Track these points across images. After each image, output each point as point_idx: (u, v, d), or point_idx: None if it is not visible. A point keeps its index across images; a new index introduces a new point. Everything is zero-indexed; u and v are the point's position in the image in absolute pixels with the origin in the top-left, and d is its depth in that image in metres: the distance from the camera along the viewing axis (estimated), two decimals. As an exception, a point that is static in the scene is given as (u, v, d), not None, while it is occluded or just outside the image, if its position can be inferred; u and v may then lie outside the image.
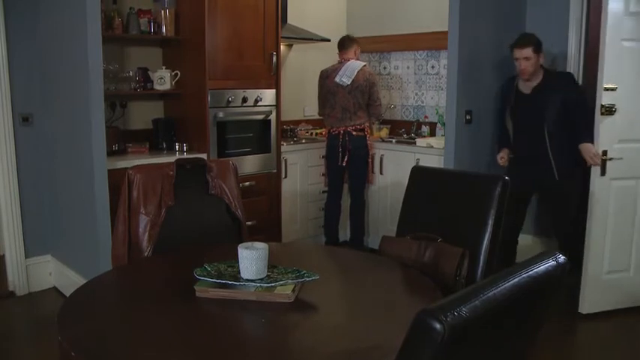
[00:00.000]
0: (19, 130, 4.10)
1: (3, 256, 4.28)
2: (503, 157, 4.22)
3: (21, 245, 4.20)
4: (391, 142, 5.11)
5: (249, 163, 4.57)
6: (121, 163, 3.73)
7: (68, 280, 4.09)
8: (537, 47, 3.91)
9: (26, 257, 4.22)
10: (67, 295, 4.08)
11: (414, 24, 5.35)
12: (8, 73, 3.99)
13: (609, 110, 3.55)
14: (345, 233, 5.30)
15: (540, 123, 3.96)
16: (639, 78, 3.61)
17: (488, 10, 4.35)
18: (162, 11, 4.28)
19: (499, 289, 1.16)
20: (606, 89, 3.53)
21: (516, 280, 1.20)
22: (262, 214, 4.54)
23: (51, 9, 3.96)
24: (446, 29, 4.22)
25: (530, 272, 1.25)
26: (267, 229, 4.57)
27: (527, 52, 3.89)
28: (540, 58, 3.95)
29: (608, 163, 3.61)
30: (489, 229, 2.39)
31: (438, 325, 1.02)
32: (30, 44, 4.09)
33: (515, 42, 3.98)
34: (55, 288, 4.32)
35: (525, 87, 4.04)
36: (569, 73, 4.26)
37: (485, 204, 2.41)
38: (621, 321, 3.75)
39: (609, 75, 3.53)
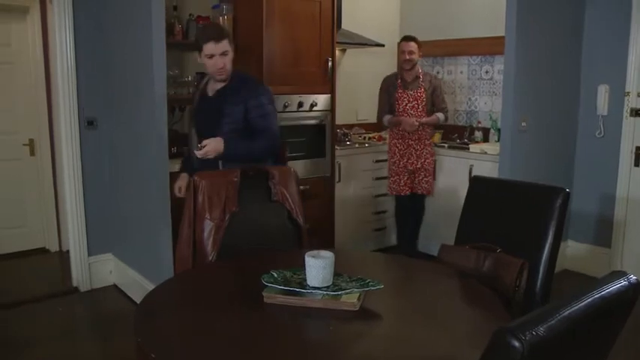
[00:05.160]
0: (84, 133, 4.26)
1: (68, 251, 4.46)
2: None
3: (84, 243, 4.37)
4: (444, 147, 5.09)
5: (304, 168, 4.62)
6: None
7: (128, 278, 4.23)
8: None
9: (89, 255, 4.39)
10: (127, 293, 4.24)
11: (468, 29, 5.31)
12: (76, 79, 4.15)
13: None
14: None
15: None
16: None
17: (545, 13, 4.29)
18: (221, 18, 4.38)
19: (573, 309, 1.18)
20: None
21: (590, 300, 1.22)
22: (316, 219, 4.58)
23: (117, 16, 4.09)
24: (500, 34, 4.20)
25: (603, 292, 1.26)
26: (321, 233, 4.60)
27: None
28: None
29: None
30: (550, 240, 2.38)
31: (517, 344, 1.05)
32: (95, 49, 4.25)
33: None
34: (114, 285, 4.48)
35: None
36: None
37: (545, 215, 2.40)
38: None
39: None
